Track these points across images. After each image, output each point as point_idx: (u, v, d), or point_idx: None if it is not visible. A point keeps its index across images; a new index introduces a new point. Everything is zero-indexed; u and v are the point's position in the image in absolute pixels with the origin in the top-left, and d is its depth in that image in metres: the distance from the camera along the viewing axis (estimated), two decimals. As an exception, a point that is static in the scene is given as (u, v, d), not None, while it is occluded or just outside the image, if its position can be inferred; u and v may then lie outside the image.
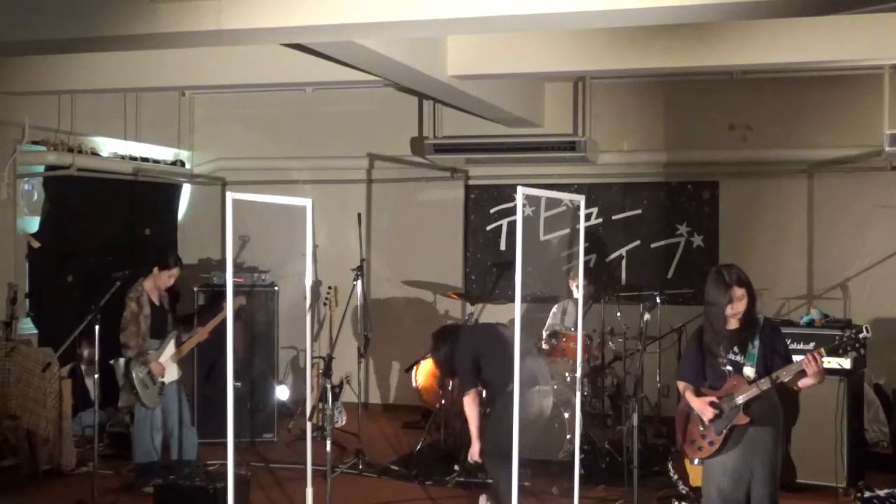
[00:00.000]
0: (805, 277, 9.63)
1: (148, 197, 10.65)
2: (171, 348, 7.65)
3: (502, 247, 10.50)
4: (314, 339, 9.64)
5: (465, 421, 6.90)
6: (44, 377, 7.83)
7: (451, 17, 5.23)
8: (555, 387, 7.42)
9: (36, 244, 9.28)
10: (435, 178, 10.67)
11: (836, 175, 9.49)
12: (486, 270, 10.42)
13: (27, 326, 9.12)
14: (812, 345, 6.78)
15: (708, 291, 5.16)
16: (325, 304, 9.43)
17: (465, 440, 7.26)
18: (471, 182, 10.66)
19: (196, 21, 5.46)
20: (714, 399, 5.14)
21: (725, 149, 9.76)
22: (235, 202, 5.44)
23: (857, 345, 5.13)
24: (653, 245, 10.10)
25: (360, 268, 8.56)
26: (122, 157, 9.98)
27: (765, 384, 5.01)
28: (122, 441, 8.44)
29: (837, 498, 7.13)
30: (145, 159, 10.22)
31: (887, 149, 8.68)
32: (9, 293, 8.60)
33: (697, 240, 9.97)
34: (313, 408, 6.80)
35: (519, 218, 5.43)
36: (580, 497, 6.13)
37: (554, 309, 8.89)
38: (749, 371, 5.08)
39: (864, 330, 5.29)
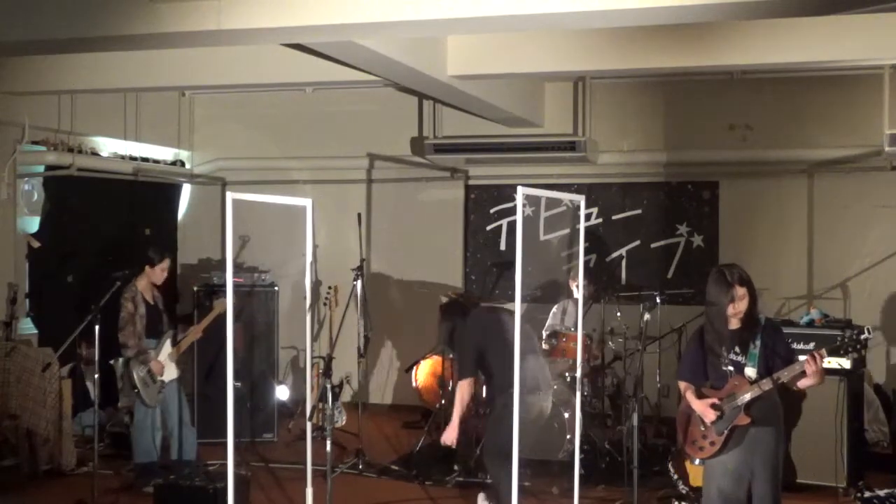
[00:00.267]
0: (805, 277, 9.63)
1: (148, 197, 10.65)
2: (167, 347, 7.65)
3: (502, 247, 10.50)
4: (314, 339, 9.64)
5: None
6: (44, 377, 7.83)
7: (450, 17, 5.22)
8: (555, 387, 7.42)
9: (36, 244, 9.27)
10: (435, 178, 10.67)
11: (836, 175, 9.49)
12: (486, 270, 10.43)
13: (27, 326, 9.11)
14: (812, 345, 6.78)
15: (709, 291, 5.16)
16: (325, 304, 9.43)
17: (465, 440, 7.25)
18: (471, 182, 10.66)
19: (196, 21, 5.46)
20: (715, 401, 5.14)
21: (725, 149, 9.76)
22: (235, 202, 5.43)
23: (858, 346, 5.13)
24: (653, 245, 10.11)
25: (359, 268, 8.56)
26: (122, 157, 9.98)
27: (766, 384, 5.00)
28: (122, 441, 8.42)
29: (837, 498, 7.12)
30: (145, 159, 10.22)
31: (887, 149, 8.67)
32: (9, 293, 8.60)
33: (697, 240, 9.97)
34: (313, 408, 6.78)
35: (519, 218, 5.43)
36: (580, 497, 6.12)
37: (554, 309, 8.88)
38: (750, 371, 5.07)
39: (866, 331, 5.29)
